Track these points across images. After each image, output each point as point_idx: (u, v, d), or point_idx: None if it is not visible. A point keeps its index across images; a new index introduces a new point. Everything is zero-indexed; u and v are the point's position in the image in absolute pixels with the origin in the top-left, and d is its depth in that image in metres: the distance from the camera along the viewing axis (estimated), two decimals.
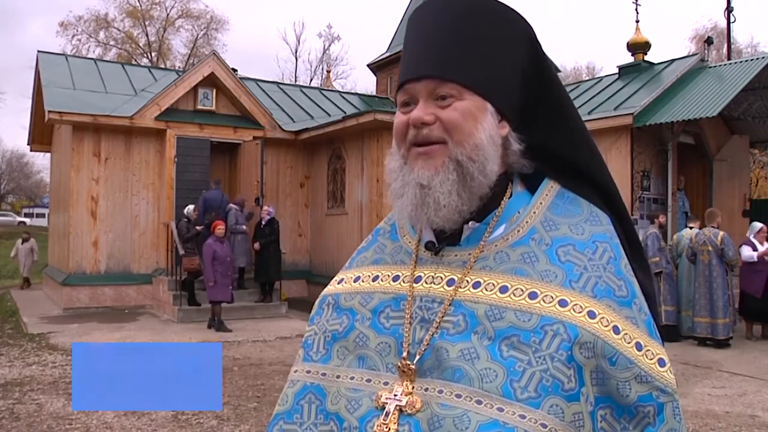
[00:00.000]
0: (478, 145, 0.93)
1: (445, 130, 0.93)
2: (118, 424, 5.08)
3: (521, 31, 1.01)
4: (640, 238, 7.73)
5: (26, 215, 55.26)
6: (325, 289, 1.12)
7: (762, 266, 8.93)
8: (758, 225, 9.32)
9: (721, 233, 8.68)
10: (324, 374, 0.99)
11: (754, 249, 9.01)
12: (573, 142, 1.03)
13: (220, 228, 9.66)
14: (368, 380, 0.95)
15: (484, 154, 0.94)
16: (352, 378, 0.96)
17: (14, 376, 6.64)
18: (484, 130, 0.94)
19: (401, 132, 0.97)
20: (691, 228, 9.39)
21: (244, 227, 11.64)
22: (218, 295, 9.50)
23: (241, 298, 11.33)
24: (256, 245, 11.31)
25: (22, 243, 16.98)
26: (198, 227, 10.79)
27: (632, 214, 10.77)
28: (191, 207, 11.24)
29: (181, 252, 10.61)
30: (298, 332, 9.40)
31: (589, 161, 1.03)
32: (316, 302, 1.11)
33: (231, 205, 11.72)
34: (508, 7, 1.00)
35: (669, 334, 8.70)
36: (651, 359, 0.90)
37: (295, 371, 1.04)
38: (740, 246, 9.00)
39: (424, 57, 0.96)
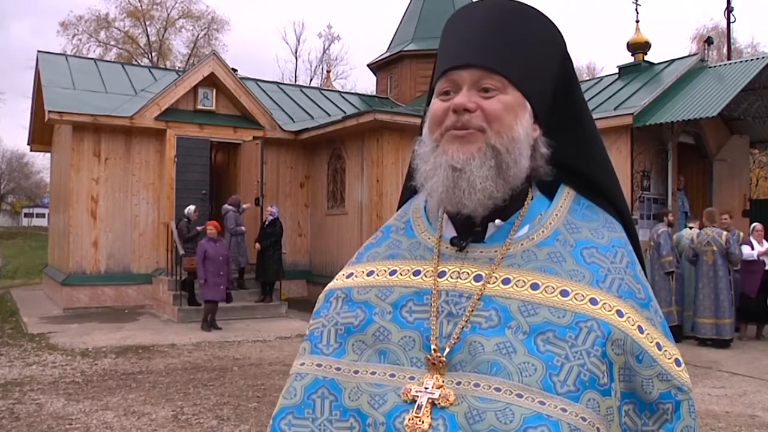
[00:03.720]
0: (516, 138, 0.95)
1: (486, 118, 0.94)
2: (118, 424, 5.08)
3: (557, 44, 1.05)
4: (651, 237, 7.77)
5: (26, 215, 55.29)
6: (331, 283, 1.10)
7: (757, 266, 8.93)
8: (753, 224, 9.37)
9: (725, 233, 8.67)
10: (338, 369, 0.97)
11: (753, 249, 9.03)
12: (586, 154, 1.06)
13: (210, 229, 9.65)
14: (392, 375, 0.93)
15: (520, 149, 0.96)
16: (373, 373, 0.94)
17: (14, 376, 6.63)
18: (523, 127, 0.96)
19: (438, 118, 0.97)
20: (690, 228, 9.38)
21: (242, 228, 11.64)
22: (209, 295, 9.52)
23: (241, 298, 11.33)
24: (257, 246, 11.30)
25: None
26: (199, 228, 10.79)
27: (632, 215, 10.76)
28: (192, 207, 11.23)
29: (181, 252, 10.61)
30: (298, 332, 9.40)
31: (600, 176, 1.06)
32: (322, 295, 1.09)
33: (227, 206, 11.71)
34: (549, 19, 1.04)
35: (675, 335, 8.68)
36: (669, 359, 0.94)
37: (302, 364, 1.01)
38: (740, 245, 9.01)
39: (470, 47, 0.97)
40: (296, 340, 8.89)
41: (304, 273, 13.95)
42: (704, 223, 9.12)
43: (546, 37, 1.02)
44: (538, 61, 1.00)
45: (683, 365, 0.95)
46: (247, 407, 5.60)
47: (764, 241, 9.11)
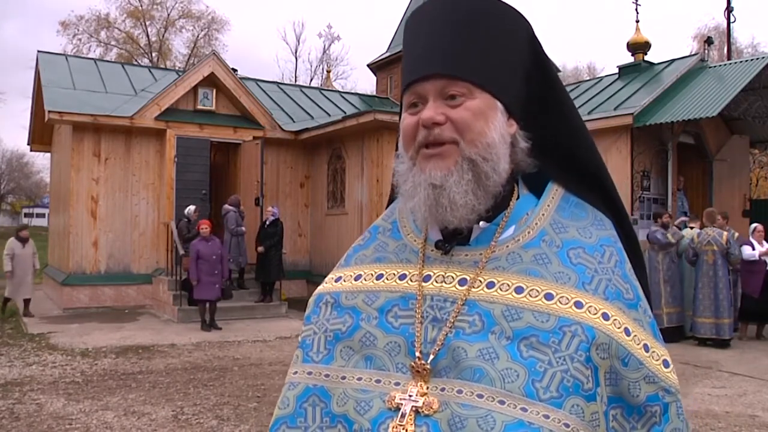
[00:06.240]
0: (491, 144, 0.93)
1: (457, 130, 0.92)
2: (118, 424, 5.08)
3: (522, 29, 1.01)
4: (645, 236, 7.75)
5: (26, 215, 55.29)
6: (320, 287, 1.09)
7: (759, 267, 8.93)
8: (754, 225, 9.38)
9: (726, 233, 8.68)
10: (327, 375, 0.97)
11: (754, 249, 9.03)
12: (573, 138, 1.03)
13: (204, 228, 9.64)
14: (377, 381, 0.92)
15: (497, 153, 0.94)
16: (359, 379, 0.94)
17: (14, 376, 6.64)
18: (496, 129, 0.94)
19: (410, 134, 0.95)
20: (691, 228, 9.38)
21: (243, 228, 11.63)
22: (203, 294, 9.51)
23: (241, 298, 11.34)
24: (260, 249, 11.29)
25: (23, 246, 10.94)
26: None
27: (632, 215, 10.78)
28: (192, 207, 11.23)
29: (181, 252, 10.61)
30: (298, 332, 9.21)
31: (588, 157, 1.04)
32: (311, 301, 1.08)
33: (227, 206, 11.70)
34: (509, 5, 1.00)
35: (673, 335, 8.68)
36: (657, 360, 0.92)
37: (295, 373, 1.01)
38: (741, 246, 9.01)
39: (431, 56, 0.95)
40: (296, 340, 8.84)
41: (304, 273, 13.95)
42: (704, 223, 9.12)
43: (507, 25, 0.99)
44: (503, 55, 0.96)
45: (671, 366, 0.93)
46: (247, 407, 5.60)
47: (764, 242, 9.11)
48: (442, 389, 0.88)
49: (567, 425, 0.83)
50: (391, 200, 1.15)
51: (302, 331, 1.06)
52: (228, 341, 8.73)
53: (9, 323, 10.29)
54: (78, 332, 9.32)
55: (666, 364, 0.93)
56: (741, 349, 8.47)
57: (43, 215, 47.73)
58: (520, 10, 1.01)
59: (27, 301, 11.02)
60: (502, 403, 0.84)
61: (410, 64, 0.99)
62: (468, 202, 0.92)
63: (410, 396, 0.88)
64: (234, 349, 8.26)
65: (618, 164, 10.91)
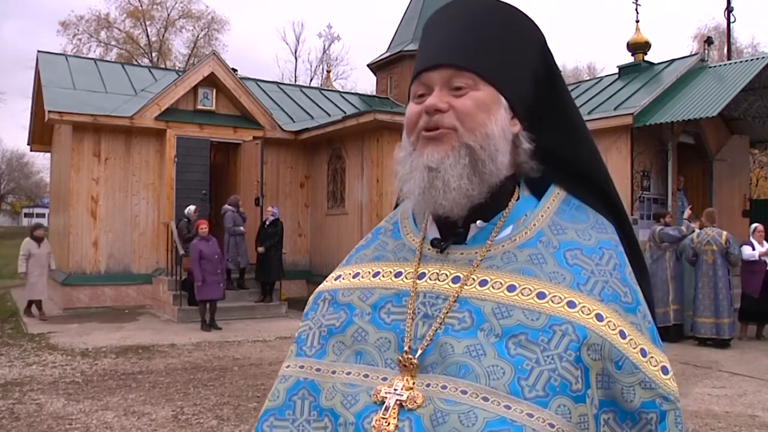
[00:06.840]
0: (490, 135, 0.94)
1: (458, 117, 0.93)
2: (118, 424, 5.08)
3: (534, 37, 1.03)
4: (650, 236, 7.76)
5: (26, 215, 55.31)
6: (321, 286, 1.10)
7: (759, 267, 8.94)
8: (754, 225, 9.39)
9: (725, 233, 8.69)
10: (318, 369, 0.97)
11: (754, 249, 9.04)
12: (575, 142, 1.04)
13: (203, 227, 9.63)
14: (366, 375, 0.93)
15: (495, 145, 0.94)
16: (348, 373, 0.94)
17: (14, 376, 6.64)
18: (497, 122, 0.95)
19: (413, 121, 0.98)
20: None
21: (242, 228, 11.63)
22: (208, 294, 9.50)
23: (241, 298, 11.34)
24: (260, 249, 11.28)
25: (38, 245, 10.79)
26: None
27: (632, 215, 10.78)
28: (192, 207, 11.23)
29: (181, 252, 10.61)
30: None
31: (589, 161, 1.04)
32: (311, 298, 1.09)
33: (227, 206, 11.70)
34: (523, 13, 1.02)
35: (672, 335, 8.69)
36: (655, 366, 0.90)
37: (288, 366, 1.02)
38: (741, 246, 9.02)
39: (440, 48, 0.98)
40: None
41: (304, 273, 13.94)
42: (704, 223, 9.13)
43: (519, 30, 1.01)
44: (511, 55, 0.98)
45: (671, 374, 0.91)
46: (247, 407, 5.60)
47: (764, 242, 9.11)
48: (428, 384, 0.88)
49: (552, 425, 0.82)
50: (397, 204, 1.16)
51: (299, 327, 1.07)
52: (228, 341, 8.73)
53: (9, 323, 10.29)
54: (78, 332, 9.32)
55: (665, 370, 0.91)
56: (741, 349, 8.47)
57: (43, 215, 47.72)
58: (533, 19, 1.04)
59: (39, 302, 10.89)
60: (485, 399, 0.83)
61: (421, 56, 1.01)
62: (462, 186, 0.93)
63: (395, 390, 0.88)
64: (234, 349, 8.26)
65: (618, 164, 10.91)
